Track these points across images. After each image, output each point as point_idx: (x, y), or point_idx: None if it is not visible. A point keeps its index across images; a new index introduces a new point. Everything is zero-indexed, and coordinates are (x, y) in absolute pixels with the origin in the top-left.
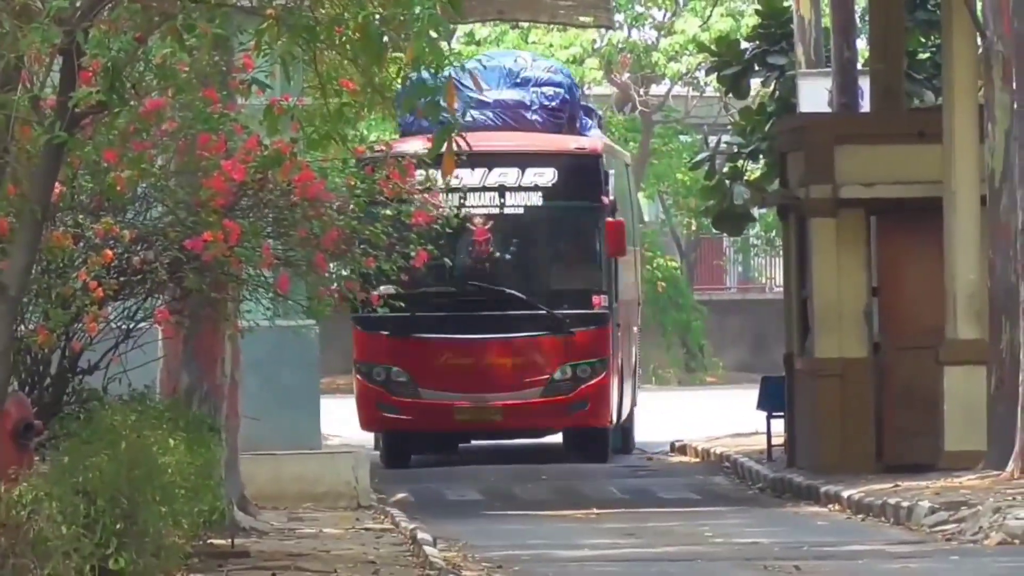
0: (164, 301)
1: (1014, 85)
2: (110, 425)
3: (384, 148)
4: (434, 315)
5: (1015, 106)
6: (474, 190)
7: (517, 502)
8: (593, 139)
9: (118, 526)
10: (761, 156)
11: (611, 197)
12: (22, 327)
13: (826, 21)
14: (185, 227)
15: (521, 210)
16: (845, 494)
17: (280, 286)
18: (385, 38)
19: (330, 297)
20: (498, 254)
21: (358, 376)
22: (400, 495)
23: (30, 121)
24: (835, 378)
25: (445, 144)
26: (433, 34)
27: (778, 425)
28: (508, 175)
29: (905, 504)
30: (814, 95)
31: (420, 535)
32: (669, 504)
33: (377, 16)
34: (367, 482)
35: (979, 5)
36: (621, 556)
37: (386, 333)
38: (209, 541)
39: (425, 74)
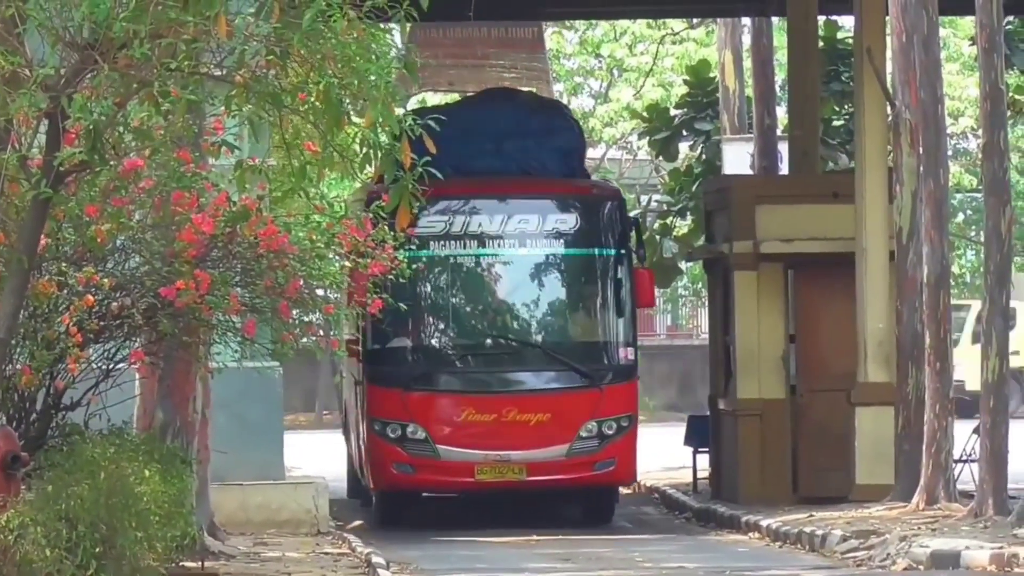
0: (140, 344)
1: (920, 150)
2: (90, 457)
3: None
4: (453, 369)
5: (921, 169)
6: (494, 238)
7: (465, 530)
8: (612, 183)
9: (97, 549)
10: (689, 214)
11: (636, 244)
12: (10, 367)
13: (748, 91)
14: (160, 276)
15: (542, 259)
16: (764, 523)
17: (247, 331)
18: (347, 105)
19: (292, 341)
20: (519, 306)
21: (371, 434)
22: (356, 522)
23: (18, 178)
24: (755, 417)
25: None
26: (388, 98)
27: (703, 460)
28: (527, 222)
29: (819, 532)
30: (737, 158)
31: (375, 559)
32: (603, 531)
33: (337, 83)
34: (326, 510)
35: (889, 78)
36: None
37: (402, 388)
38: (181, 564)
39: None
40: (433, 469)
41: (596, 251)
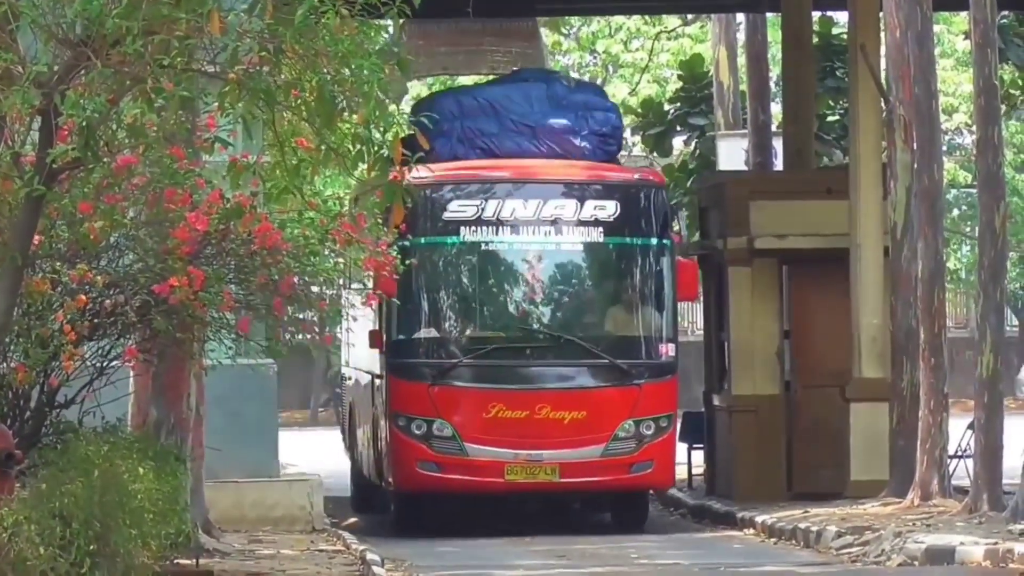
0: (134, 341)
1: (914, 146)
2: (85, 455)
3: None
4: (483, 363)
5: (915, 165)
6: (528, 223)
7: (458, 527)
8: (655, 170)
9: (91, 547)
10: (683, 210)
11: (680, 233)
12: (4, 365)
13: (743, 87)
14: (153, 273)
15: (580, 247)
16: (759, 519)
17: (241, 327)
18: (340, 102)
19: (287, 338)
20: (554, 296)
21: (395, 429)
22: (351, 520)
23: (11, 176)
24: (750, 414)
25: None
26: (381, 95)
27: (698, 456)
28: (565, 208)
29: (814, 529)
30: (732, 154)
31: (369, 556)
32: (597, 529)
33: (330, 80)
34: (321, 507)
35: (883, 73)
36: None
37: (428, 382)
38: (176, 561)
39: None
40: (460, 468)
41: (638, 241)
